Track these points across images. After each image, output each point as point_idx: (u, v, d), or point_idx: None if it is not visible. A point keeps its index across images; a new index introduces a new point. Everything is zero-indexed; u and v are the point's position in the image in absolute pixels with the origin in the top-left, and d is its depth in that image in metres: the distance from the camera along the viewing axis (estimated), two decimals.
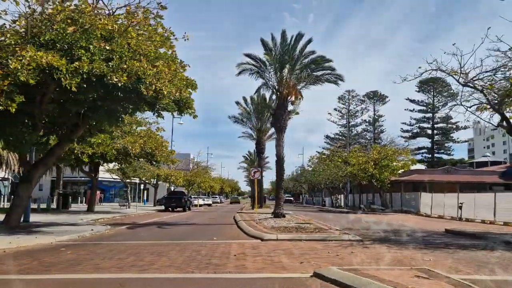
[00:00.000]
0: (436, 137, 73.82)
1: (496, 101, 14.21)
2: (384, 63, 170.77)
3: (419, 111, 73.99)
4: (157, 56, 14.00)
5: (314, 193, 76.64)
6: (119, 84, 12.25)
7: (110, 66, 12.37)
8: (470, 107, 17.04)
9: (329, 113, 78.87)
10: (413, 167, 66.60)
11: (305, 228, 14.24)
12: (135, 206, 41.73)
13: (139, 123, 27.79)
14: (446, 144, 73.88)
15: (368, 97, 76.86)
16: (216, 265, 7.84)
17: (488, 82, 14.46)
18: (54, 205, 31.29)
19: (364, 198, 48.36)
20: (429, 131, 74.08)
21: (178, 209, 36.55)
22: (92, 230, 14.47)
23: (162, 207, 37.79)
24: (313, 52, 20.35)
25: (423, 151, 74.56)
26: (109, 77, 12.07)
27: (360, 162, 38.29)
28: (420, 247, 11.05)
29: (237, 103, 36.15)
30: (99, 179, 54.34)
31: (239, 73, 20.48)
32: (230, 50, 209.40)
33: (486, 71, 13.79)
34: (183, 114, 19.18)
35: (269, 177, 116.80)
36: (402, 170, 41.92)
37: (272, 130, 53.58)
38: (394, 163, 39.47)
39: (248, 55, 20.08)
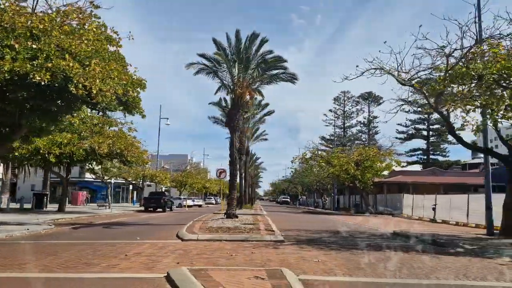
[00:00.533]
0: (431, 138, 73.05)
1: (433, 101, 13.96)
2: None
3: (415, 112, 73.13)
4: (89, 55, 13.96)
5: (311, 195, 76.33)
6: (42, 83, 12.25)
7: (35, 65, 12.36)
8: (419, 107, 16.84)
9: (324, 115, 78.68)
10: (408, 168, 66.19)
11: (240, 229, 14.11)
12: (118, 207, 42.01)
13: (110, 123, 27.81)
14: (441, 146, 73.05)
15: (363, 98, 76.37)
16: (91, 265, 7.76)
17: (429, 82, 14.23)
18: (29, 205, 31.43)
19: (356, 200, 47.93)
20: (425, 133, 73.35)
21: (159, 209, 36.51)
22: (27, 229, 14.46)
23: (151, 208, 37.46)
24: (270, 52, 20.26)
25: (418, 152, 73.95)
26: (31, 76, 12.07)
27: (342, 163, 38.00)
28: (336, 248, 10.88)
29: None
30: (90, 180, 54.88)
31: (196, 72, 20.41)
32: None
33: (420, 71, 13.57)
34: (134, 114, 19.26)
35: (266, 179, 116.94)
36: (387, 172, 41.59)
37: (260, 130, 53.97)
38: (378, 164, 39.14)
39: (201, 55, 20.03)
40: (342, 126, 77.97)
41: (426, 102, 14.43)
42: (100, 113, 18.37)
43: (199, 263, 7.95)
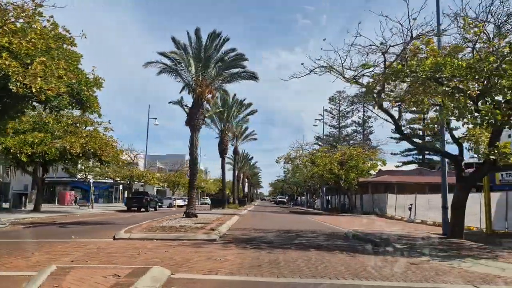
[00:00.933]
0: (427, 138, 72.30)
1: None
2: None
3: (411, 111, 72.45)
4: (32, 53, 13.95)
5: (307, 194, 76.05)
6: None
7: None
8: (370, 105, 16.64)
9: (320, 114, 78.30)
10: (405, 168, 65.42)
11: (182, 228, 14.02)
12: (105, 206, 42.09)
13: (85, 123, 27.83)
14: (437, 145, 72.24)
15: (358, 98, 75.72)
16: None
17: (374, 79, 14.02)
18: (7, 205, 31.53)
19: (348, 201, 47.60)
20: (420, 132, 72.64)
21: (142, 209, 36.49)
22: None
23: (134, 208, 37.37)
24: (232, 50, 20.19)
25: (413, 152, 73.28)
26: None
27: (325, 162, 37.80)
28: (262, 247, 10.74)
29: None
30: (82, 180, 55.03)
31: (159, 72, 20.31)
32: None
33: (365, 68, 13.35)
34: (92, 113, 19.25)
35: (265, 179, 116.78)
36: (374, 172, 41.30)
37: (250, 130, 53.91)
38: (364, 164, 38.87)
39: (162, 54, 19.92)
40: (338, 126, 77.57)
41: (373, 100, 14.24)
42: (53, 112, 18.44)
43: (93, 261, 7.88)
